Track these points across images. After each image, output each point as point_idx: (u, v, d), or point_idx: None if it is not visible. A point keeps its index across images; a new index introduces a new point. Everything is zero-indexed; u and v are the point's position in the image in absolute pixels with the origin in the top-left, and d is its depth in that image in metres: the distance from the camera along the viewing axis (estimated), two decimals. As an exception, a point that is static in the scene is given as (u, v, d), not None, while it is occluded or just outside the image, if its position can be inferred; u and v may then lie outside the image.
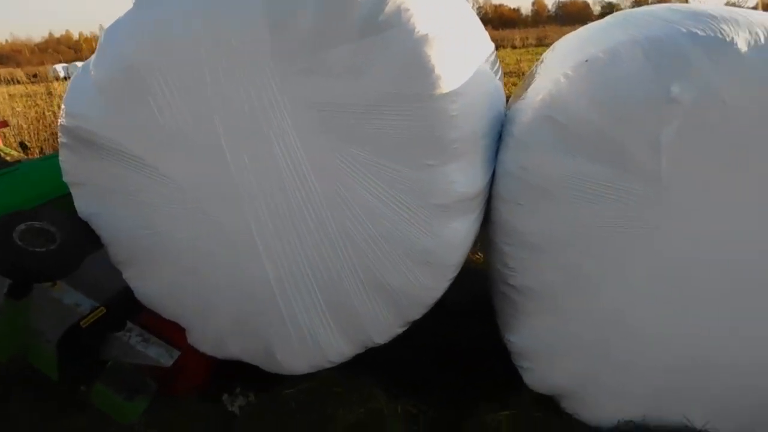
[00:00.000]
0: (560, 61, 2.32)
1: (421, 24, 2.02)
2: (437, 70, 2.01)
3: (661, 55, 1.93)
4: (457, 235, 2.21)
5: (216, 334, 2.56)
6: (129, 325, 2.62)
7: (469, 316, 3.17)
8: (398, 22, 2.00)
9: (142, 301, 2.57)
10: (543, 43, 28.23)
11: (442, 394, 2.69)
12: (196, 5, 2.15)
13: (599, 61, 2.02)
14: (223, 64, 2.15)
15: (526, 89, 2.48)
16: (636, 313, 2.21)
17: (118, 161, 2.33)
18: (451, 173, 2.12)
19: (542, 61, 2.77)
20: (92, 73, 2.28)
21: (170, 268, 2.45)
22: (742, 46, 1.87)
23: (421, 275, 2.25)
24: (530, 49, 25.66)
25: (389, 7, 2.00)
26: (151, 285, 2.52)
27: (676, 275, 2.14)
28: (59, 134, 2.39)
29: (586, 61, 2.05)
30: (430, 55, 2.00)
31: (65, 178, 2.45)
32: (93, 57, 2.33)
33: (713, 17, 2.00)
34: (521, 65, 15.02)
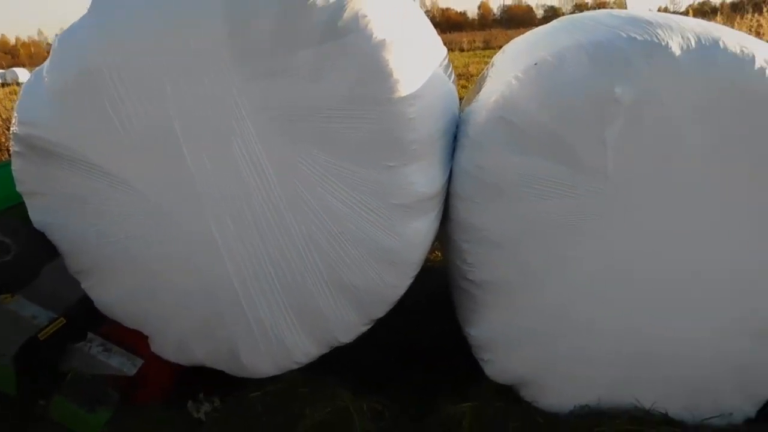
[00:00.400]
0: (511, 64, 2.42)
1: (378, 29, 2.08)
2: (395, 75, 2.08)
3: (604, 59, 2.06)
4: (419, 234, 2.28)
5: (179, 339, 2.55)
6: (90, 335, 2.58)
7: (430, 313, 3.25)
8: (356, 28, 2.05)
9: (103, 311, 2.53)
10: (490, 46, 28.86)
11: (406, 390, 2.75)
12: (153, 8, 2.15)
13: (547, 65, 2.14)
14: (182, 67, 2.15)
15: (479, 92, 2.59)
16: (584, 306, 2.34)
17: (75, 169, 2.30)
18: (411, 174, 2.19)
19: (493, 65, 2.88)
20: (46, 79, 2.24)
21: (131, 275, 2.43)
22: (676, 49, 2.01)
23: (384, 274, 2.31)
24: (478, 52, 26.15)
25: (348, 13, 2.05)
26: (111, 294, 2.49)
27: (621, 269, 2.27)
28: (12, 143, 2.33)
29: (536, 64, 2.16)
30: (387, 59, 2.07)
31: (19, 188, 2.39)
32: (46, 63, 2.29)
33: (649, 23, 2.14)
34: (470, 68, 15.31)
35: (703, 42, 2.02)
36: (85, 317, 2.57)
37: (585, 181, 2.15)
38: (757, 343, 2.31)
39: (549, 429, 2.41)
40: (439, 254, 3.91)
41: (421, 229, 2.28)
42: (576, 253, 2.26)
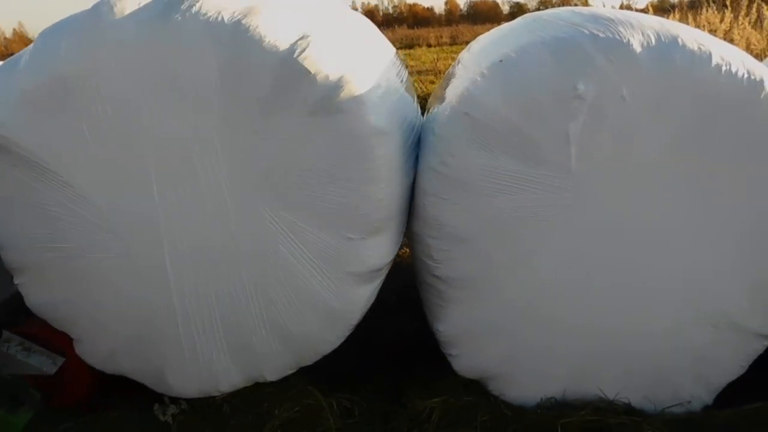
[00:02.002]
0: (476, 61, 2.44)
1: (369, 114, 2.12)
2: (376, 161, 2.16)
3: (567, 55, 2.09)
4: (362, 299, 2.38)
5: (108, 351, 2.51)
6: (7, 334, 2.50)
7: (399, 310, 3.25)
8: (349, 109, 2.09)
9: (33, 309, 2.46)
10: (457, 42, 28.94)
11: (376, 387, 2.75)
12: (151, 29, 2.07)
13: (511, 62, 2.16)
14: (167, 98, 2.11)
15: (445, 89, 2.59)
16: (548, 300, 2.38)
17: (32, 172, 2.21)
18: (369, 248, 2.29)
19: (459, 62, 2.90)
20: (20, 75, 2.13)
21: (72, 283, 2.37)
22: (637, 46, 2.05)
23: (322, 329, 2.39)
24: (445, 47, 26.18)
25: (344, 94, 2.07)
26: (46, 296, 2.42)
27: (584, 263, 2.32)
28: None
29: (500, 61, 2.18)
30: (372, 146, 2.14)
31: None
32: (22, 58, 2.18)
33: (611, 20, 2.18)
34: (438, 64, 15.36)
35: (663, 39, 2.06)
36: (3, 318, 2.50)
37: (548, 176, 2.18)
38: (713, 334, 2.38)
39: (516, 422, 2.44)
40: (408, 250, 3.92)
41: (366, 295, 2.39)
42: (540, 247, 2.29)
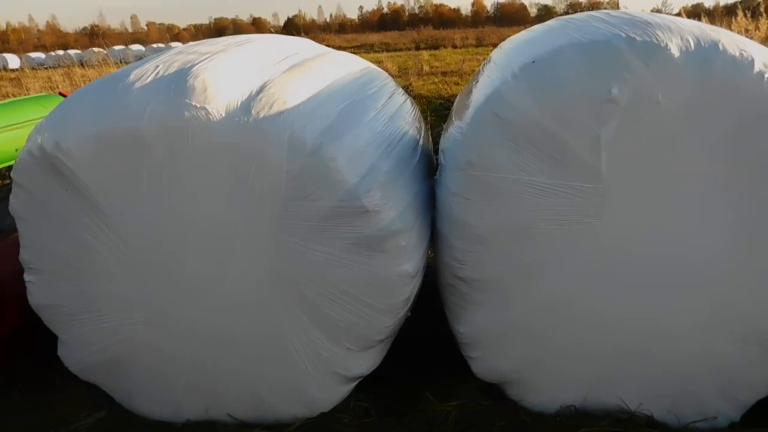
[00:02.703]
0: (507, 61, 2.40)
1: (407, 262, 2.24)
2: (398, 298, 2.29)
3: (602, 58, 2.04)
4: (341, 395, 2.52)
5: (87, 364, 2.61)
6: None
7: (416, 310, 3.22)
8: (390, 253, 2.20)
9: (32, 305, 2.53)
10: (482, 44, 28.85)
11: (392, 388, 2.73)
12: (242, 128, 2.10)
13: (544, 63, 2.11)
14: (230, 188, 2.17)
15: (475, 88, 2.56)
16: (574, 303, 2.33)
17: (80, 200, 2.27)
18: (360, 360, 2.43)
19: (490, 61, 2.86)
20: (101, 115, 2.14)
21: (75, 299, 2.46)
22: (675, 50, 2.00)
23: (299, 412, 2.51)
24: (470, 49, 26.14)
25: (389, 239, 2.18)
26: (47, 301, 2.50)
27: (611, 267, 2.27)
28: (30, 143, 2.25)
29: (533, 62, 2.14)
30: (399, 289, 2.27)
31: (15, 174, 2.31)
32: (109, 96, 2.19)
33: (648, 23, 2.13)
34: (463, 66, 15.33)
35: (702, 44, 2.01)
36: None
37: (577, 179, 2.14)
38: (741, 347, 2.31)
39: (535, 429, 2.41)
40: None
41: (344, 392, 2.53)
42: (566, 252, 2.25)
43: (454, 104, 3.08)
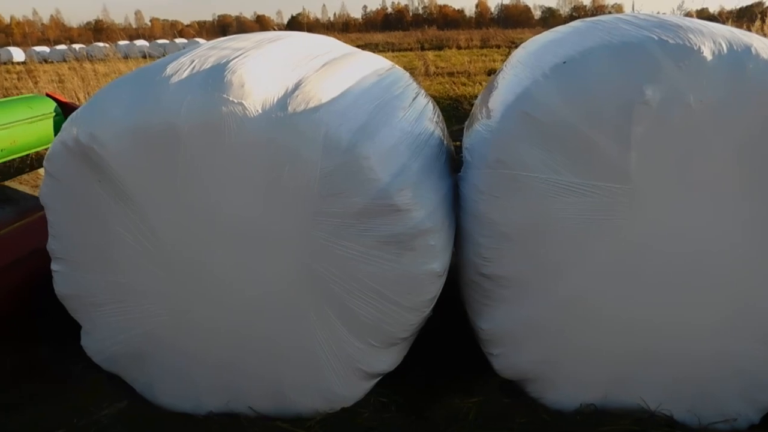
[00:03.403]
0: (536, 60, 2.41)
1: (436, 261, 2.25)
2: (425, 297, 2.31)
3: (634, 60, 2.05)
4: (362, 391, 2.55)
5: (111, 353, 2.62)
6: None
7: (435, 306, 3.23)
8: (419, 251, 2.21)
9: (58, 295, 2.56)
10: (487, 45, 28.86)
11: (411, 383, 2.75)
12: (278, 125, 2.10)
13: (576, 63, 2.13)
14: (263, 187, 2.17)
15: (500, 86, 2.57)
16: (596, 303, 2.34)
17: (113, 192, 2.27)
18: (384, 356, 2.46)
19: (513, 59, 2.87)
20: (136, 108, 2.14)
21: (101, 291, 2.47)
22: (708, 54, 2.01)
23: (320, 407, 2.54)
24: (475, 50, 26.14)
25: (420, 238, 2.18)
26: (72, 291, 2.53)
27: (635, 267, 2.28)
28: (65, 134, 2.25)
29: (564, 62, 2.15)
30: (427, 287, 2.29)
31: (47, 164, 2.33)
32: (145, 88, 2.17)
33: (679, 26, 2.14)
34: (470, 66, 15.34)
35: (735, 48, 2.02)
36: None
37: (606, 179, 2.15)
38: (762, 349, 2.33)
39: (554, 427, 2.42)
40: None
41: (365, 388, 2.56)
42: (592, 249, 2.26)
43: (476, 102, 3.10)
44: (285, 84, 2.17)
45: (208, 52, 2.28)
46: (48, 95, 4.21)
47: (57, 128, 3.94)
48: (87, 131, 2.18)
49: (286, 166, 2.12)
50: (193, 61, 2.19)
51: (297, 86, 2.16)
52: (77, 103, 6.08)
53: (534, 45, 2.82)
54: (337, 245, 2.22)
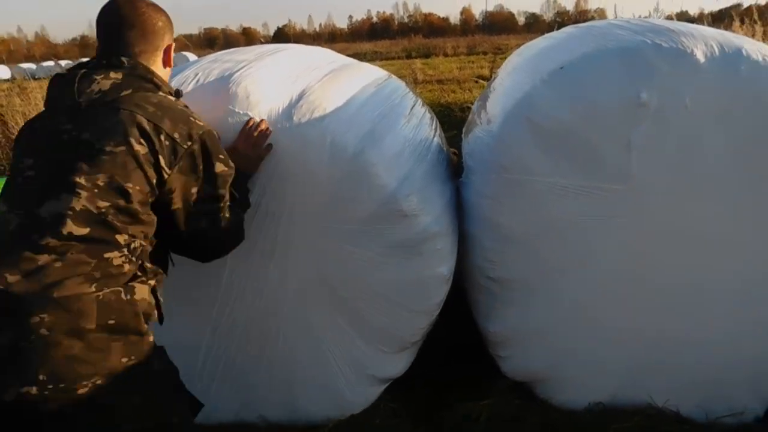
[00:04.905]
0: (534, 66, 2.46)
1: (443, 265, 2.32)
2: (433, 301, 2.37)
3: (631, 64, 2.11)
4: (371, 397, 2.58)
5: None
6: None
7: (444, 310, 3.26)
8: (427, 255, 2.26)
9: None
10: (474, 52, 29.08)
11: (422, 387, 2.76)
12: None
13: (574, 68, 2.18)
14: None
15: (498, 92, 2.63)
16: (603, 306, 2.39)
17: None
18: (394, 361, 2.51)
19: (509, 65, 2.93)
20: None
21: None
22: (700, 56, 2.08)
23: (329, 412, 2.54)
24: (462, 57, 26.33)
25: (427, 243, 2.24)
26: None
27: (639, 268, 2.33)
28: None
29: (562, 68, 2.20)
30: (434, 291, 2.34)
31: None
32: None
33: (671, 30, 2.20)
34: (459, 73, 15.45)
35: (726, 50, 2.08)
36: None
37: (608, 181, 2.20)
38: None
39: (566, 427, 2.45)
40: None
41: (375, 394, 2.59)
42: (596, 252, 2.31)
43: (474, 109, 3.15)
44: (289, 94, 2.20)
45: (210, 65, 2.31)
46: None
47: None
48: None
49: (293, 175, 2.15)
50: (197, 74, 2.23)
51: (301, 96, 2.20)
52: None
53: (530, 51, 2.88)
54: (345, 252, 2.24)
